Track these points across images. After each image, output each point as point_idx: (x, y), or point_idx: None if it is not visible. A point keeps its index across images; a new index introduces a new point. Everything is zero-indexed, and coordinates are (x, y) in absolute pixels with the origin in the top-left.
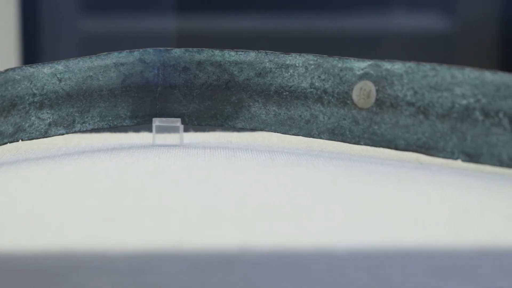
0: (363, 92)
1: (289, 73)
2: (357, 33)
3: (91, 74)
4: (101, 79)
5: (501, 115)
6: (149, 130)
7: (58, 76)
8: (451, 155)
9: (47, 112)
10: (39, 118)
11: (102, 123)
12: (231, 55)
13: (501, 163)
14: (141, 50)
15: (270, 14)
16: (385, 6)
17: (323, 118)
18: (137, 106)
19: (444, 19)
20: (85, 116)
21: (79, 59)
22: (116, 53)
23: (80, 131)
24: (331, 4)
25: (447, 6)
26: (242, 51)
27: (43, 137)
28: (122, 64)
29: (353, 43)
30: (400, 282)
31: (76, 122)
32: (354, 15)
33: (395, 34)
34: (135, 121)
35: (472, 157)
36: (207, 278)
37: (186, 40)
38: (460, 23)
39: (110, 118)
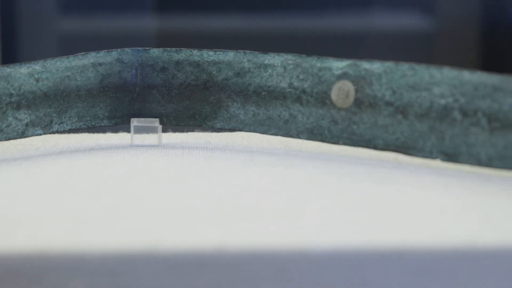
0: (342, 92)
1: (267, 73)
2: (337, 33)
3: (68, 74)
4: (78, 79)
5: (479, 114)
6: (127, 130)
7: (36, 76)
8: (429, 155)
9: (24, 113)
10: (16, 118)
11: (80, 123)
12: (209, 55)
13: (479, 162)
14: (119, 50)
15: (250, 13)
16: (366, 5)
17: (302, 118)
18: (115, 106)
19: (425, 18)
20: (63, 117)
21: (56, 59)
22: (94, 53)
23: (57, 132)
24: (311, 4)
25: (428, 6)
26: (220, 51)
27: (20, 138)
28: (100, 64)
29: (333, 43)
30: (378, 282)
31: (54, 122)
32: (335, 15)
33: (376, 33)
34: (113, 121)
35: (450, 156)
36: (185, 278)
37: (165, 40)
38: (440, 22)
39: (88, 118)
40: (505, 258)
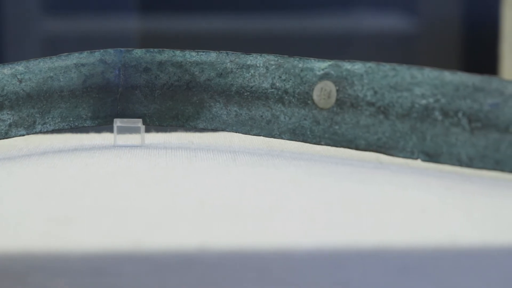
0: (324, 92)
1: (250, 74)
2: (321, 34)
3: (51, 75)
4: (61, 80)
5: (460, 115)
6: (111, 130)
7: (19, 77)
8: (411, 155)
9: (7, 113)
10: None
11: (63, 124)
12: (192, 56)
13: (460, 162)
14: (101, 50)
15: (233, 14)
16: (348, 7)
17: (284, 118)
18: (98, 107)
19: (407, 19)
20: (46, 117)
21: (39, 60)
22: (76, 54)
23: (41, 132)
24: (294, 4)
25: (410, 7)
26: (203, 52)
27: (3, 138)
28: (83, 65)
29: (317, 44)
30: (359, 282)
31: (37, 123)
32: (318, 15)
33: (358, 34)
34: (96, 121)
35: (431, 156)
36: (167, 278)
37: (149, 41)
38: (422, 23)
39: (71, 119)
40: (485, 256)
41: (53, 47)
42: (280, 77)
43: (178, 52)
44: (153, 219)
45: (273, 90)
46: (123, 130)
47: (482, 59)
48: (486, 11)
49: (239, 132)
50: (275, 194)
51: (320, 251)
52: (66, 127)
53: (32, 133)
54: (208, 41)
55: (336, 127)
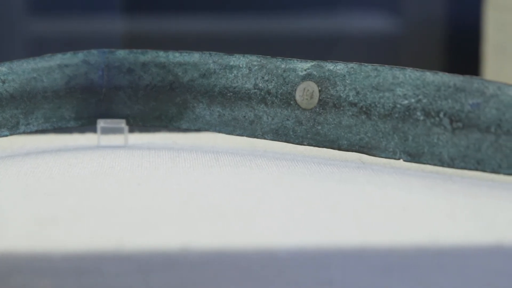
0: (306, 93)
1: (233, 74)
2: (304, 34)
3: (35, 75)
4: (45, 80)
5: (441, 115)
6: (94, 131)
7: (2, 77)
8: (393, 155)
9: None
10: None
11: (47, 124)
12: (175, 56)
13: (442, 162)
14: (85, 51)
15: (217, 15)
16: (332, 7)
17: (267, 118)
18: (82, 108)
19: (390, 20)
20: (29, 118)
21: (22, 60)
22: (60, 55)
23: (24, 133)
24: (278, 5)
25: (393, 7)
26: (186, 52)
27: None
28: (66, 66)
29: (300, 44)
30: (341, 281)
31: (20, 123)
32: (302, 16)
33: (342, 35)
34: (79, 122)
35: (413, 156)
36: (150, 278)
37: (133, 42)
38: (406, 24)
39: (54, 120)
40: (466, 256)
41: (38, 48)
42: (263, 77)
43: (161, 53)
44: (136, 219)
45: (256, 90)
46: (106, 131)
47: (465, 60)
48: (469, 12)
49: (222, 133)
50: (258, 194)
51: (303, 251)
52: (50, 127)
53: (16, 134)
54: (192, 42)
55: (319, 127)
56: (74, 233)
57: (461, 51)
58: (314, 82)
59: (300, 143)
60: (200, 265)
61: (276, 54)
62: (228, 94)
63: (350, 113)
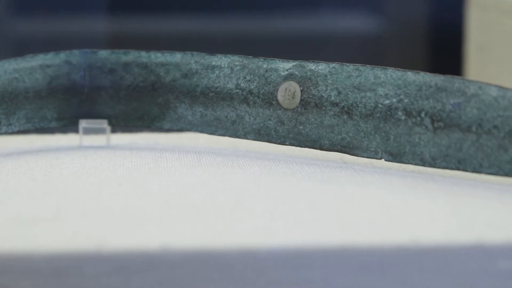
0: (288, 93)
1: (215, 74)
2: (286, 34)
3: (16, 76)
4: (27, 81)
5: (423, 114)
6: (76, 131)
7: None
8: (374, 155)
9: None
10: None
11: (28, 125)
12: (157, 57)
13: (423, 162)
14: (67, 51)
15: (199, 15)
16: (314, 7)
17: (249, 118)
18: (64, 108)
19: (373, 20)
20: (11, 118)
21: (4, 61)
22: (42, 55)
23: (6, 133)
24: (260, 5)
25: (376, 8)
26: (168, 52)
27: None
28: (48, 66)
29: (282, 44)
30: (322, 281)
31: (2, 124)
32: (284, 16)
33: (324, 35)
34: (61, 122)
35: (395, 156)
36: (130, 278)
37: (116, 42)
38: (388, 24)
39: (36, 120)
40: (446, 255)
41: (20, 48)
42: (244, 77)
43: (143, 53)
44: (117, 219)
45: (238, 90)
46: (88, 131)
47: (448, 60)
48: (451, 12)
49: (204, 133)
50: (239, 194)
51: (284, 251)
52: (32, 128)
53: None
54: (174, 42)
55: (301, 127)
56: (55, 233)
57: (444, 50)
58: (296, 82)
59: (282, 143)
60: (181, 265)
61: (259, 54)
62: (210, 94)
63: (332, 113)
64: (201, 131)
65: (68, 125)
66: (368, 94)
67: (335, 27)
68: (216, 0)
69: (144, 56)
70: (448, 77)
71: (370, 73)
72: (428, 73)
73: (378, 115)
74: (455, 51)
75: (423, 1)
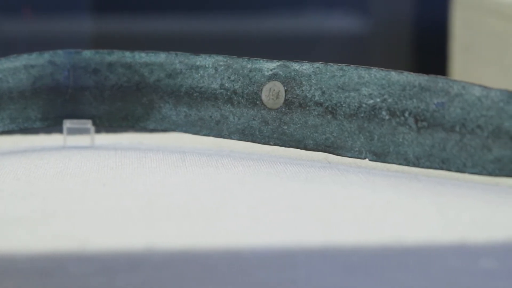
0: (272, 93)
1: (199, 74)
2: (272, 34)
3: (0, 76)
4: (10, 81)
5: (406, 114)
6: (60, 132)
7: None
8: (358, 154)
9: None
10: None
11: (12, 125)
12: (141, 57)
13: (407, 162)
14: (51, 52)
15: (183, 15)
16: (299, 7)
17: (233, 118)
18: (48, 108)
19: (358, 20)
20: None
21: None
22: (26, 55)
23: None
24: (246, 5)
25: (361, 7)
26: (152, 53)
27: None
28: (32, 66)
29: (268, 45)
30: (306, 280)
31: None
32: (269, 16)
33: (310, 35)
34: (45, 123)
35: (379, 156)
36: (114, 279)
37: (101, 42)
38: (373, 24)
39: (20, 120)
40: (429, 255)
41: (4, 48)
42: (229, 77)
43: (127, 53)
44: (101, 219)
45: (222, 90)
46: (72, 131)
47: (433, 60)
48: (436, 12)
49: (188, 133)
50: (223, 194)
51: (268, 251)
52: (16, 128)
53: None
54: (159, 42)
55: (285, 127)
56: (39, 233)
57: (429, 50)
58: (280, 82)
59: (266, 143)
60: (165, 265)
61: (245, 55)
62: (195, 94)
63: (316, 112)
64: (186, 131)
65: (52, 125)
66: (352, 94)
67: (320, 27)
68: (201, 0)
69: (128, 56)
70: (432, 77)
71: (354, 73)
72: (411, 73)
73: (362, 115)
74: (440, 51)
75: (408, 1)
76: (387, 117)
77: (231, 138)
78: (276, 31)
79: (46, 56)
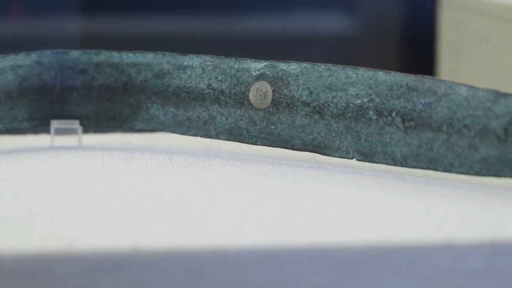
0: (260, 93)
1: (186, 74)
2: (260, 34)
3: None
4: None
5: (394, 114)
6: (48, 132)
7: None
8: (346, 154)
9: None
10: None
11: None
12: (129, 57)
13: (394, 161)
14: (38, 52)
15: (171, 15)
16: (288, 7)
17: (221, 118)
18: (35, 109)
19: (346, 20)
20: None
21: None
22: (12, 55)
23: None
24: (233, 5)
25: (349, 7)
26: (140, 53)
27: None
28: (19, 67)
29: (256, 45)
30: (293, 280)
31: None
32: (257, 16)
33: (298, 35)
34: (33, 123)
35: (366, 156)
36: (100, 279)
37: (89, 42)
38: (362, 24)
39: (7, 121)
40: (416, 254)
41: None
42: (216, 77)
43: (115, 53)
44: (88, 219)
45: (209, 90)
46: (60, 132)
47: (421, 60)
48: (424, 11)
49: (176, 133)
50: (211, 194)
51: (255, 251)
52: (3, 129)
53: None
54: (146, 42)
55: (272, 127)
56: (26, 234)
57: (417, 50)
58: (267, 82)
59: (254, 143)
60: (152, 266)
61: (233, 55)
62: (182, 95)
63: (304, 112)
64: (173, 131)
65: (39, 125)
66: (340, 94)
67: (309, 27)
68: (189, 0)
69: (115, 56)
70: (419, 77)
71: (341, 73)
72: (399, 73)
73: (349, 115)
74: (428, 51)
75: (396, 1)
76: (374, 117)
77: (218, 138)
78: (265, 31)
79: (33, 56)
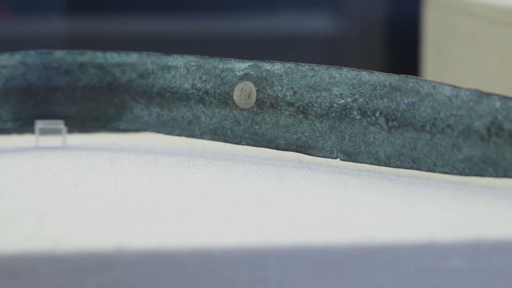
0: (244, 93)
1: (171, 75)
2: (245, 35)
3: None
4: None
5: (377, 114)
6: (32, 132)
7: None
8: (330, 154)
9: None
10: None
11: None
12: (113, 57)
13: (378, 161)
14: (22, 52)
15: (156, 15)
16: (273, 7)
17: (205, 118)
18: (20, 109)
19: (331, 20)
20: None
21: None
22: None
23: None
24: (219, 5)
25: (334, 7)
26: (124, 53)
27: None
28: (3, 67)
29: (241, 45)
30: (276, 280)
31: None
32: (242, 17)
33: (283, 35)
34: (17, 123)
35: (350, 155)
36: (83, 279)
37: (74, 42)
38: (346, 24)
39: None
40: (399, 253)
41: None
42: (200, 77)
43: (99, 54)
44: (72, 220)
45: (194, 90)
46: (45, 132)
47: (405, 60)
48: (408, 11)
49: (160, 133)
50: (195, 194)
51: (238, 250)
52: None
53: None
54: (131, 42)
55: (257, 127)
56: (9, 234)
57: (401, 51)
58: (251, 82)
59: (238, 143)
60: (136, 266)
61: (218, 55)
62: (166, 95)
63: (288, 112)
64: (158, 132)
65: (24, 125)
66: (323, 94)
67: (293, 28)
68: (175, 0)
69: (100, 56)
70: (402, 77)
71: (325, 73)
72: (382, 72)
73: (333, 114)
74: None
75: (380, 1)
76: (358, 117)
77: (203, 138)
78: (250, 31)
79: (18, 56)
